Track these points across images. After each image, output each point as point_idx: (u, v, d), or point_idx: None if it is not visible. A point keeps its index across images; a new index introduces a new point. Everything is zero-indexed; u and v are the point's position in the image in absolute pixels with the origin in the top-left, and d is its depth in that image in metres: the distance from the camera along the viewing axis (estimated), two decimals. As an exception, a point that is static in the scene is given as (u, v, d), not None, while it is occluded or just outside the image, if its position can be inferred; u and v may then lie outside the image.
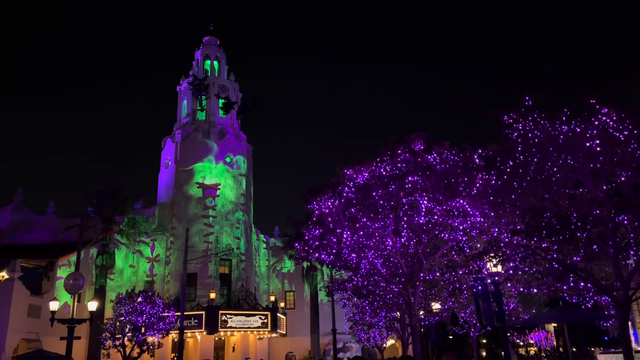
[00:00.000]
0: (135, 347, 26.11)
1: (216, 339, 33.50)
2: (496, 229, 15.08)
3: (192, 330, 31.50)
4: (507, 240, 14.10)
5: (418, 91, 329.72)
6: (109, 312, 28.71)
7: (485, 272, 14.95)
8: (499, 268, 14.74)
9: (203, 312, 31.47)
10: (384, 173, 18.95)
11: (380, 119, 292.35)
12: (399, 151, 18.74)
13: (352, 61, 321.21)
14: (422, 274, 19.03)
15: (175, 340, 30.99)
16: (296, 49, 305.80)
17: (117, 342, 25.98)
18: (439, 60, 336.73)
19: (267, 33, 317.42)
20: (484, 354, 66.77)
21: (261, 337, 35.99)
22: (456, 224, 17.25)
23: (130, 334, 25.96)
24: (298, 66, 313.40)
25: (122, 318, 26.15)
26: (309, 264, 36.87)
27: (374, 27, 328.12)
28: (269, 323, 33.20)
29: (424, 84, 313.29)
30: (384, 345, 33.55)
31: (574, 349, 43.39)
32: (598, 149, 12.45)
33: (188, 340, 32.89)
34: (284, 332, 36.48)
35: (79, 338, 22.80)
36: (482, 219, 16.09)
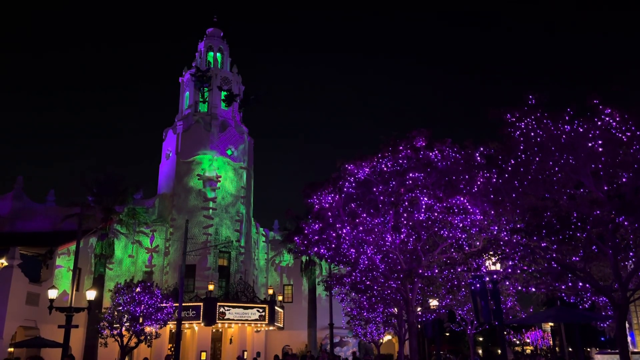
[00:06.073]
0: (133, 337, 26.15)
1: (213, 330, 33.59)
2: (496, 227, 15.07)
3: (190, 322, 31.57)
4: (506, 238, 14.10)
5: (421, 91, 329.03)
6: (107, 302, 28.77)
7: (484, 270, 14.99)
8: (498, 266, 14.79)
9: (201, 304, 31.55)
10: (384, 169, 18.90)
11: (382, 117, 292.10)
12: (401, 147, 18.65)
13: (356, 57, 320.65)
14: (420, 271, 19.02)
15: (173, 331, 31.06)
16: (300, 44, 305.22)
17: (115, 332, 26.06)
18: (444, 63, 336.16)
19: (272, 27, 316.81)
20: (480, 351, 66.94)
21: (258, 329, 36.10)
22: (456, 221, 17.23)
23: (128, 324, 26.03)
24: (302, 60, 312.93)
25: (120, 308, 26.21)
26: (307, 258, 36.90)
27: (378, 27, 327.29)
28: (267, 316, 33.28)
29: (426, 84, 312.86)
30: (381, 340, 33.65)
31: (570, 349, 43.51)
32: (600, 149, 12.39)
33: (185, 331, 33.00)
34: (282, 326, 36.57)
35: (76, 326, 22.90)
36: (482, 217, 16.06)
